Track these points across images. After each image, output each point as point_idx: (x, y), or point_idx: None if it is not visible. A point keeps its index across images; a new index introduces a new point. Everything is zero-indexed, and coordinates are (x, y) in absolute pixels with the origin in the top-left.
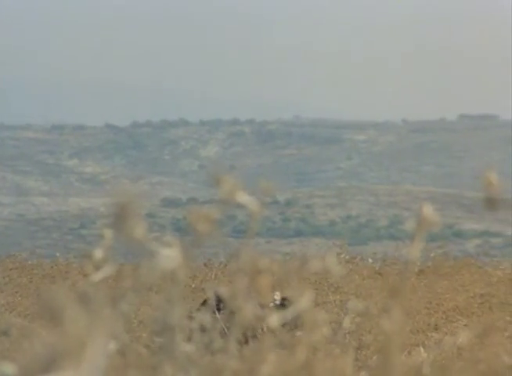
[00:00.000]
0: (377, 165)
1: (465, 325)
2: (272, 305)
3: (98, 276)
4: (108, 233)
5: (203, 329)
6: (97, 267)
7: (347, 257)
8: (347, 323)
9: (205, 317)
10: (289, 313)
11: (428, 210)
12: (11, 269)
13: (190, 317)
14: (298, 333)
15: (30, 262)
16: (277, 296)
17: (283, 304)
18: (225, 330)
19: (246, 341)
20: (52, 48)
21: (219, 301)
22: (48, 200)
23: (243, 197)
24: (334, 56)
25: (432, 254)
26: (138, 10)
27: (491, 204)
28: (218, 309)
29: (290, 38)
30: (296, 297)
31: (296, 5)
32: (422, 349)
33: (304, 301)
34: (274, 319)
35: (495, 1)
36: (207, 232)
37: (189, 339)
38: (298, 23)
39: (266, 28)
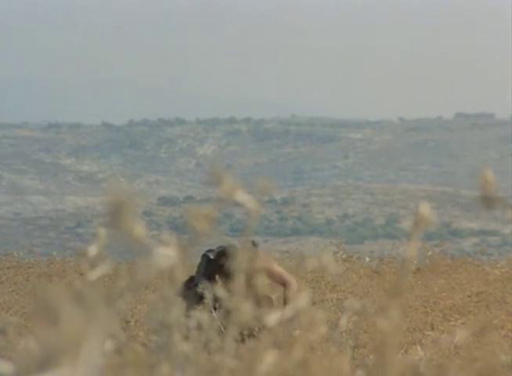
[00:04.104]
0: (374, 164)
1: (462, 324)
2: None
3: (94, 275)
4: (104, 232)
5: (200, 328)
6: (93, 266)
7: (344, 255)
8: (344, 321)
9: (202, 316)
10: (286, 312)
11: (425, 208)
12: (8, 268)
13: (187, 316)
14: (295, 331)
15: (26, 261)
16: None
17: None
18: (222, 328)
19: (243, 340)
20: (48, 48)
21: (216, 299)
22: (45, 199)
23: (241, 196)
24: (331, 55)
25: (429, 253)
26: (135, 10)
27: (487, 202)
28: (215, 308)
29: (287, 38)
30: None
31: (294, 5)
32: (419, 348)
33: (301, 299)
34: (271, 317)
35: (493, 1)
36: (204, 230)
37: (186, 338)
38: (296, 22)
39: (264, 28)
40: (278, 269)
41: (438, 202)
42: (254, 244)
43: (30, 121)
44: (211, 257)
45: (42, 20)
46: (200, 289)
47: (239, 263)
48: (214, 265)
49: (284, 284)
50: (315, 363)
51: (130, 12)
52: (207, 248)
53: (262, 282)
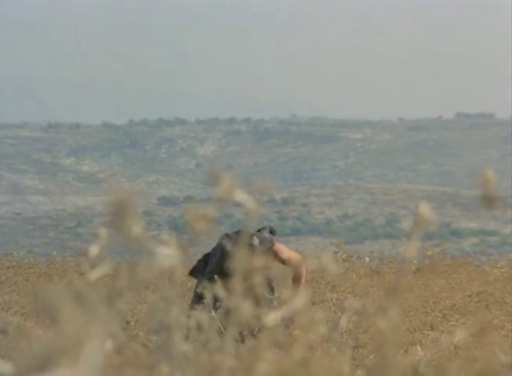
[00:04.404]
0: (374, 164)
1: (462, 324)
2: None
3: (94, 275)
4: (104, 232)
5: (199, 328)
6: (93, 265)
7: (344, 255)
8: (344, 321)
9: (202, 316)
10: (285, 312)
11: (425, 208)
12: (7, 268)
13: (187, 316)
14: (295, 331)
15: (26, 261)
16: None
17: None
18: (222, 328)
19: (243, 340)
20: (48, 48)
21: (216, 299)
22: (45, 199)
23: (240, 196)
24: (331, 55)
25: (429, 253)
26: (135, 10)
27: (487, 202)
28: (216, 308)
29: (287, 38)
30: (292, 295)
31: (294, 5)
32: (419, 348)
33: (300, 299)
34: (271, 317)
35: (493, 1)
36: (204, 230)
37: (186, 338)
38: (296, 22)
39: (263, 28)
40: (290, 256)
41: (438, 202)
42: (272, 232)
43: (30, 120)
44: (226, 248)
45: (42, 20)
46: (199, 289)
47: (238, 263)
48: (228, 257)
49: (296, 273)
50: (315, 363)
51: (129, 12)
52: (227, 232)
53: (261, 282)
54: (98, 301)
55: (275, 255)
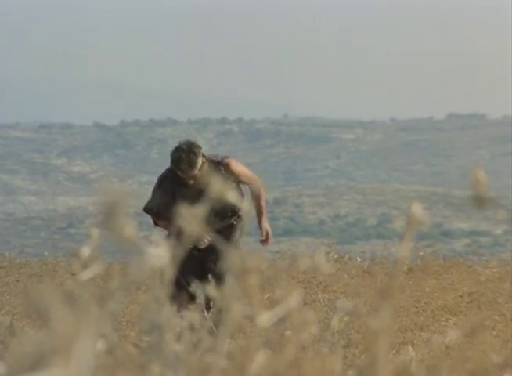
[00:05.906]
0: (365, 164)
1: (453, 324)
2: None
3: (86, 275)
4: (96, 232)
5: (191, 328)
6: (85, 266)
7: (335, 256)
8: (335, 321)
9: (194, 316)
10: (278, 312)
11: (417, 209)
12: None
13: (179, 316)
14: (287, 332)
15: (18, 261)
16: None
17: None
18: (214, 328)
19: (235, 340)
20: (41, 48)
21: (208, 299)
22: (37, 199)
23: (232, 196)
24: (323, 56)
25: (421, 253)
26: (128, 10)
27: (479, 202)
28: (207, 308)
29: (280, 38)
30: (284, 296)
31: (286, 6)
32: (410, 348)
33: (292, 299)
34: (263, 318)
35: (484, 2)
36: (195, 231)
37: (178, 338)
38: (288, 23)
39: (256, 27)
40: (245, 172)
41: (430, 202)
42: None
43: (22, 121)
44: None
45: (35, 20)
46: (192, 288)
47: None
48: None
49: (254, 189)
50: (307, 363)
51: (122, 12)
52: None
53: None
54: (89, 301)
55: (227, 168)
